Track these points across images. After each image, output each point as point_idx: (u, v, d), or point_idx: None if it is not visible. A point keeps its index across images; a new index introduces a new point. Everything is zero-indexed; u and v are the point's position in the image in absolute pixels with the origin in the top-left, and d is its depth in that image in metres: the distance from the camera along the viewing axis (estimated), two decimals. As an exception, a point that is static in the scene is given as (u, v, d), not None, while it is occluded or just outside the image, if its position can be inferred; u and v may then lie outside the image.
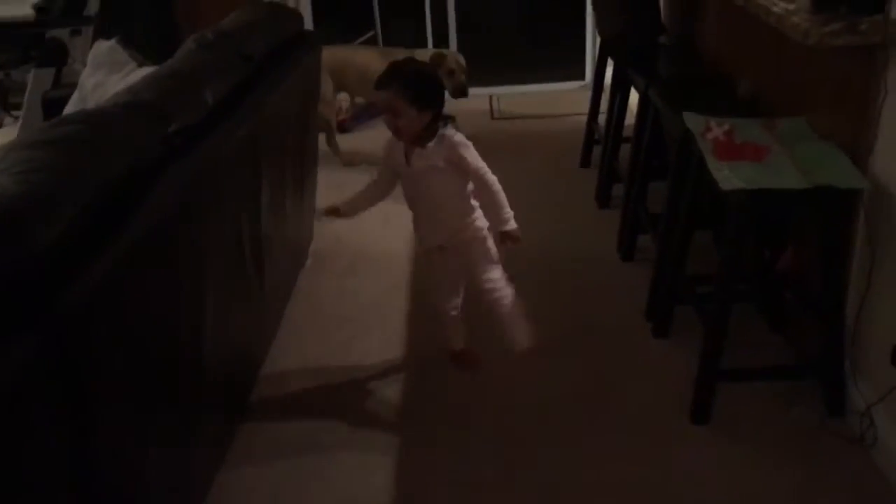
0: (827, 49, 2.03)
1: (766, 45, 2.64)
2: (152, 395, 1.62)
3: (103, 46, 2.93)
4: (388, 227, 3.54)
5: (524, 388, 2.47)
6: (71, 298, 1.25)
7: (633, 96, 3.37)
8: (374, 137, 4.62)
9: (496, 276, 2.37)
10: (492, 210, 2.30)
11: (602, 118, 3.89)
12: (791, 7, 2.11)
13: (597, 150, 3.92)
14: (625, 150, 3.50)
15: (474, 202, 2.34)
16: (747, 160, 2.14)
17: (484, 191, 2.28)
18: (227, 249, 2.04)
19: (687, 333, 2.58)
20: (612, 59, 3.59)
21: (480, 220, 2.35)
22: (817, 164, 2.08)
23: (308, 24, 5.11)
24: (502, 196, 2.27)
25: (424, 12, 5.11)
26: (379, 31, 4.95)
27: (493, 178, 2.26)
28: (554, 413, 2.35)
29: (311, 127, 2.97)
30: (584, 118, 4.19)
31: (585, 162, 4.00)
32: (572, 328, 2.75)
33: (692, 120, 2.35)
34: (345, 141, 4.62)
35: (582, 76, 5.28)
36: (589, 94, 4.35)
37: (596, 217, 3.52)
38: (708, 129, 2.27)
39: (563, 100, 5.05)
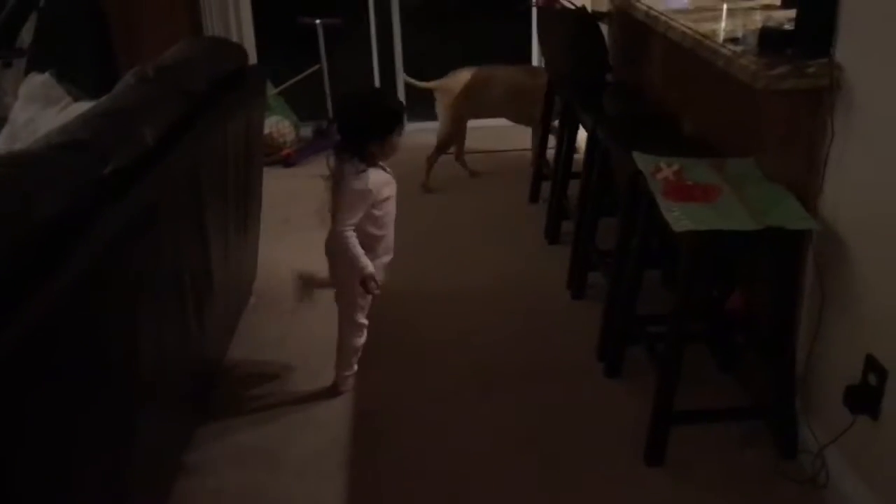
0: (774, 91, 2.04)
1: (712, 86, 2.67)
2: (77, 458, 1.52)
3: (36, 80, 2.83)
4: (335, 265, 3.48)
5: (474, 428, 2.41)
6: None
7: (581, 132, 3.39)
8: (319, 172, 4.56)
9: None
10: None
11: (550, 153, 3.90)
12: (738, 49, 2.12)
13: (545, 186, 3.92)
14: (573, 186, 3.51)
15: None
16: (698, 201, 2.13)
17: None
18: (166, 291, 1.95)
19: (639, 373, 2.56)
20: (560, 96, 3.60)
21: None
22: (767, 206, 2.08)
23: (252, 57, 5.04)
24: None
25: (371, 46, 5.08)
26: (325, 64, 4.90)
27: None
28: (505, 456, 2.30)
29: (255, 162, 2.90)
30: (531, 153, 4.20)
31: (534, 197, 4.00)
32: (523, 368, 2.70)
33: (642, 160, 2.34)
34: (291, 176, 4.55)
35: (529, 112, 5.30)
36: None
37: (546, 253, 3.50)
38: (658, 170, 2.27)
39: (510, 135, 5.04)
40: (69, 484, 1.47)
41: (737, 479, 2.18)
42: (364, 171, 2.33)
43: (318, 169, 4.62)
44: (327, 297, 3.18)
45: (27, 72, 3.20)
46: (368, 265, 2.38)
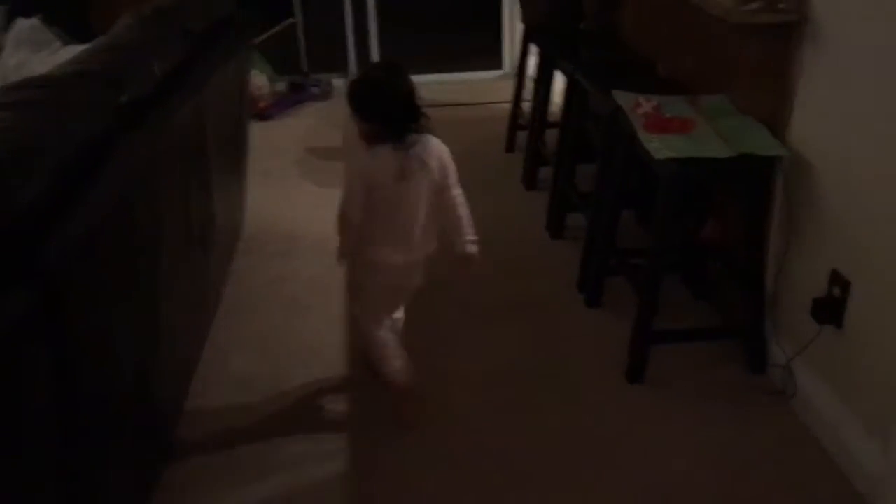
0: (746, 27, 2.18)
1: (686, 27, 2.80)
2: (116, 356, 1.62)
3: (24, 24, 2.85)
4: (320, 210, 3.56)
5: (462, 356, 2.55)
6: (50, 257, 1.26)
7: (557, 83, 3.51)
8: (295, 125, 4.64)
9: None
10: (452, 228, 2.13)
11: (526, 105, 4.01)
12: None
13: (521, 136, 4.03)
14: (549, 135, 3.63)
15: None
16: (675, 133, 2.27)
17: (451, 208, 2.11)
18: (180, 224, 2.04)
19: (618, 303, 2.71)
20: (538, 46, 3.70)
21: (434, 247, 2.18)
22: (740, 136, 2.23)
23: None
24: (470, 220, 2.12)
25: (344, 1, 5.13)
26: (300, 18, 4.94)
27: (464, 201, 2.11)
28: (494, 381, 2.43)
29: (245, 109, 2.97)
30: (505, 105, 4.30)
31: (510, 147, 4.11)
32: (506, 302, 2.84)
33: (622, 97, 2.47)
34: (268, 129, 4.60)
35: (500, 65, 5.41)
36: (507, 83, 4.49)
37: (524, 198, 3.63)
38: (637, 105, 2.40)
39: (483, 89, 5.15)
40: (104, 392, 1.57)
41: (711, 393, 2.35)
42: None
43: (293, 123, 4.69)
44: (311, 241, 3.28)
45: (10, 17, 3.21)
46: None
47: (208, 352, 2.54)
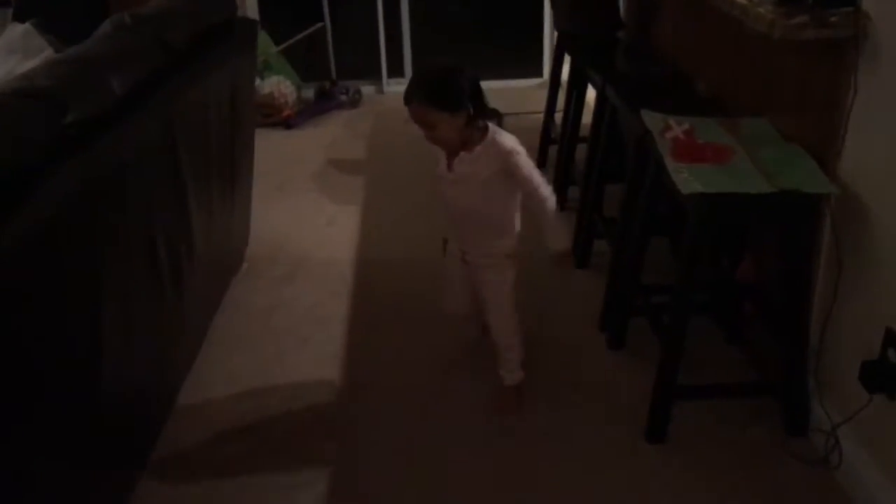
0: (792, 44, 1.89)
1: (725, 42, 2.51)
2: (36, 434, 1.41)
3: (17, 30, 2.70)
4: (333, 229, 3.36)
5: (471, 398, 2.30)
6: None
7: (591, 94, 3.23)
8: (320, 135, 4.43)
9: (499, 322, 2.21)
10: (547, 229, 2.05)
11: (559, 116, 3.74)
12: (755, -2, 1.96)
13: (553, 150, 3.77)
14: (581, 151, 3.35)
15: (517, 223, 2.12)
16: (708, 162, 1.99)
17: (534, 204, 2.02)
18: (134, 257, 1.83)
19: (642, 345, 2.43)
20: (569, 55, 3.44)
21: (509, 246, 2.14)
22: (782, 168, 1.94)
23: (254, 12, 4.89)
24: (554, 212, 2.03)
25: (376, 5, 4.92)
26: (328, 23, 4.74)
27: (547, 191, 2.00)
28: (500, 427, 2.18)
29: (245, 122, 2.77)
30: (541, 116, 4.04)
31: (541, 162, 3.84)
32: (538, 344, 2.57)
33: (651, 118, 2.20)
34: (292, 138, 4.41)
35: (540, 73, 5.13)
36: (545, 91, 4.22)
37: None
38: (667, 128, 2.12)
39: (520, 97, 4.88)
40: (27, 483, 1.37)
41: (743, 458, 2.06)
42: None
43: (319, 132, 4.49)
44: (317, 264, 3.07)
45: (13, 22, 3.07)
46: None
47: (188, 390, 2.33)
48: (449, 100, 1.91)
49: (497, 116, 2.04)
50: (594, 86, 2.97)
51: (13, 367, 1.33)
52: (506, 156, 1.97)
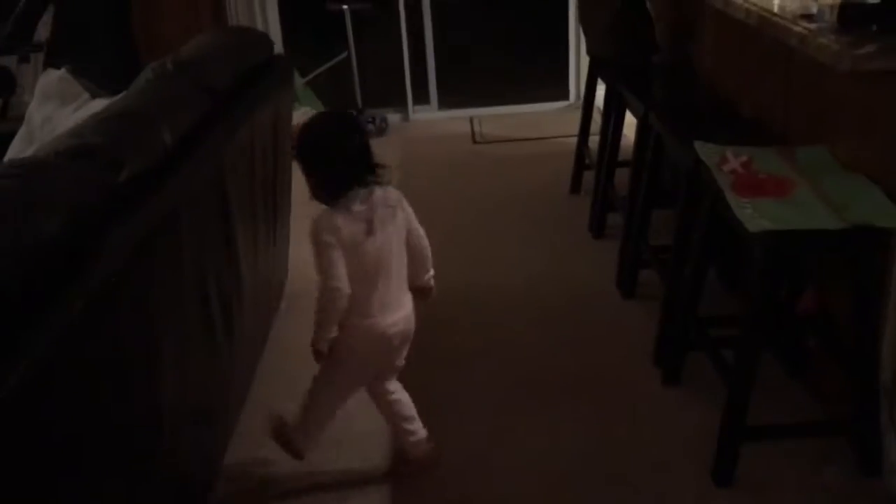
0: (857, 73, 1.83)
1: (773, 67, 2.45)
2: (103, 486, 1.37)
3: (52, 76, 2.67)
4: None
5: (520, 448, 2.23)
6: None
7: (628, 118, 3.17)
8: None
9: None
10: (419, 264, 2.05)
11: (592, 140, 3.69)
12: (813, 27, 1.91)
13: (587, 175, 3.72)
14: (619, 175, 3.30)
15: None
16: (770, 196, 1.93)
17: (419, 246, 2.04)
18: (190, 308, 1.79)
19: (700, 380, 2.37)
20: (604, 80, 3.39)
21: None
22: (848, 200, 1.88)
23: (278, 46, 4.87)
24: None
25: (400, 32, 4.90)
26: (353, 52, 4.72)
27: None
28: (558, 474, 2.12)
29: (284, 158, 2.73)
30: (571, 140, 3.99)
31: (576, 188, 3.79)
32: (572, 376, 2.51)
33: (705, 150, 2.14)
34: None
35: (566, 96, 5.09)
36: (574, 114, 4.17)
37: (591, 248, 3.30)
38: (724, 161, 2.06)
39: (548, 121, 4.85)
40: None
41: (816, 500, 1.99)
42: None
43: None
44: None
45: (45, 67, 3.06)
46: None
47: (236, 441, 2.28)
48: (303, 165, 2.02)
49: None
50: (634, 113, 2.92)
51: (76, 433, 1.28)
52: (400, 200, 2.03)
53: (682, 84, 3.04)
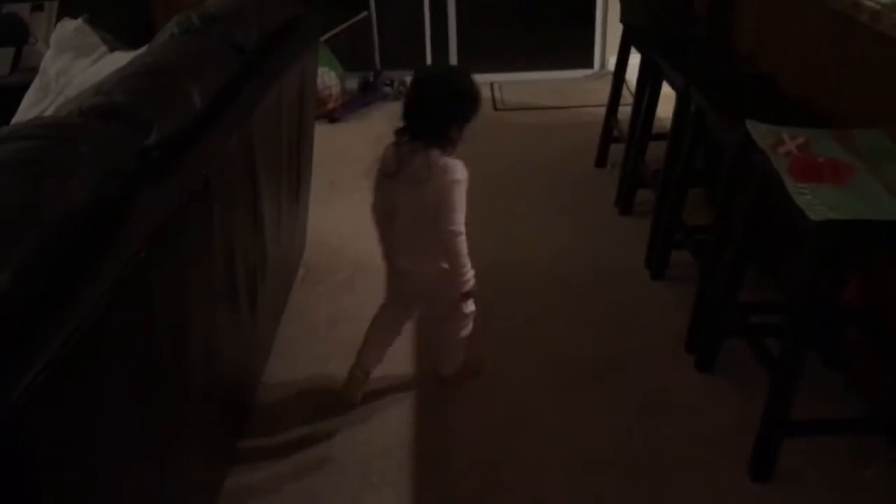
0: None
1: (828, 43, 2.33)
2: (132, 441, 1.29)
3: (68, 26, 2.55)
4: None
5: (552, 434, 2.15)
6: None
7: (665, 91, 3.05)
8: (366, 129, 4.28)
9: (456, 328, 2.21)
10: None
11: (621, 111, 3.57)
12: (887, 1, 1.79)
13: (614, 148, 3.60)
14: (651, 149, 3.18)
15: None
16: (829, 182, 1.83)
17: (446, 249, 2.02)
18: (216, 278, 1.70)
19: (735, 367, 2.30)
20: (640, 51, 3.26)
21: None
22: (914, 190, 1.78)
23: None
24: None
25: (422, -8, 4.74)
26: (374, 12, 4.58)
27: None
28: (587, 461, 2.05)
29: (308, 123, 2.62)
30: (595, 110, 3.87)
31: (601, 161, 3.68)
32: (602, 359, 2.43)
33: (759, 130, 2.03)
34: (337, 133, 4.26)
35: (591, 64, 4.94)
36: (597, 83, 4.05)
37: (618, 225, 3.20)
38: (779, 142, 1.96)
39: (571, 90, 4.72)
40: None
41: (857, 498, 1.92)
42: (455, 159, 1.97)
43: (363, 126, 4.34)
44: (377, 268, 2.93)
45: (59, 16, 2.93)
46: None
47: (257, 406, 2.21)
48: None
49: None
50: (673, 86, 2.80)
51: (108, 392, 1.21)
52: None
53: (722, 57, 2.92)
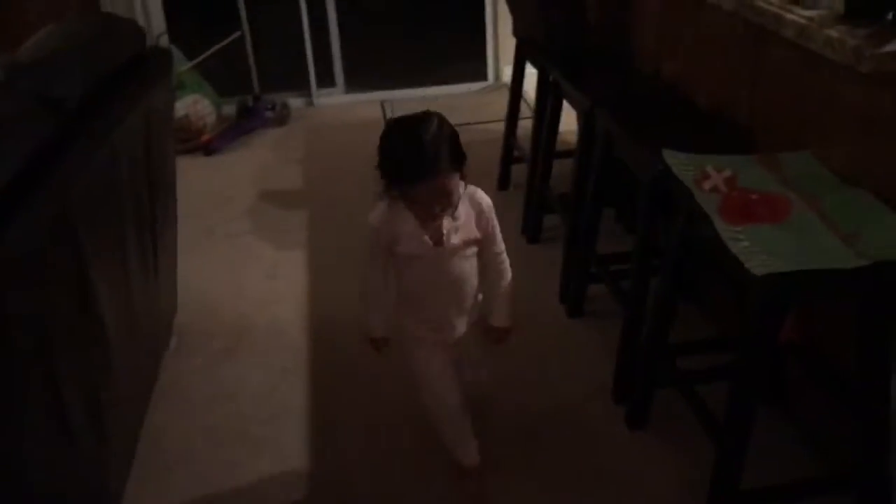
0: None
1: (735, 51, 2.12)
2: None
3: None
4: (276, 283, 2.86)
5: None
6: None
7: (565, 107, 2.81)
8: (247, 160, 3.90)
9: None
10: (497, 300, 1.81)
11: (521, 127, 3.33)
12: (812, 15, 1.57)
13: (516, 169, 3.35)
14: (556, 168, 2.93)
15: None
16: (764, 221, 1.60)
17: (495, 270, 1.79)
18: (30, 402, 1.33)
19: (670, 420, 2.06)
20: (534, 65, 3.01)
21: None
22: (855, 225, 1.56)
23: (160, 24, 4.30)
24: (511, 285, 1.81)
25: (299, 6, 4.38)
26: (247, 31, 4.20)
27: (507, 261, 1.81)
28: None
29: (164, 172, 2.25)
30: (492, 127, 3.61)
31: (504, 183, 3.42)
32: (525, 417, 2.15)
33: (678, 163, 1.79)
34: (215, 167, 3.86)
35: (484, 76, 4.68)
36: (493, 96, 3.81)
37: (526, 255, 2.93)
38: (704, 177, 1.72)
39: (467, 105, 4.44)
40: None
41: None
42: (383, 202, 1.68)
43: (245, 156, 3.96)
44: (262, 331, 2.58)
45: None
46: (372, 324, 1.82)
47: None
48: (462, 156, 1.60)
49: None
50: (575, 106, 2.57)
51: None
52: (486, 211, 1.72)
53: (624, 72, 2.70)
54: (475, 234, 1.70)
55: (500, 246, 1.78)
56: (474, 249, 1.73)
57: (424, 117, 1.58)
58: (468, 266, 1.74)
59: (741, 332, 1.59)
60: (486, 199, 1.73)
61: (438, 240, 1.66)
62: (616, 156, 2.21)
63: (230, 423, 2.19)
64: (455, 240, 1.68)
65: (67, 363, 1.45)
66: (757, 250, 1.50)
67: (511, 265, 1.81)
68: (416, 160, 1.52)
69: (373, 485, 1.97)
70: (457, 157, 1.57)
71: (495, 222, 1.74)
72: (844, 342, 1.75)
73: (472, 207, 1.70)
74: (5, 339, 1.22)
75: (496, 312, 1.81)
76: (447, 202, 1.59)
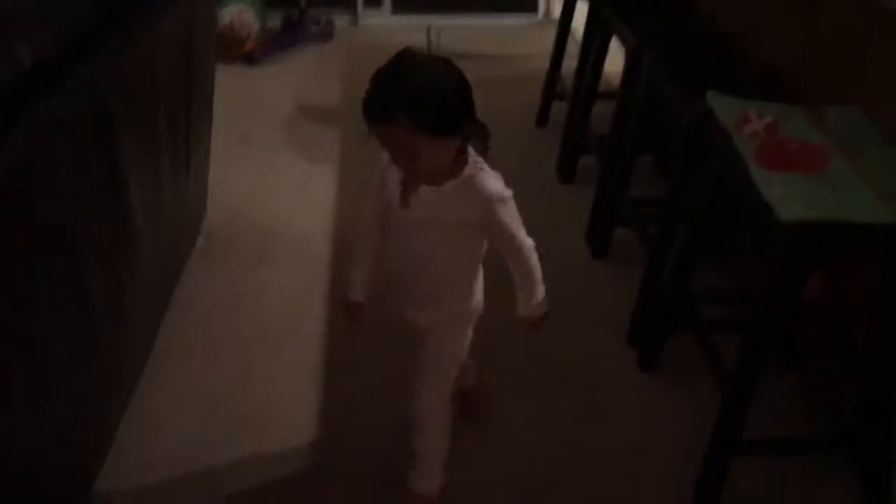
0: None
1: (793, 5, 2.05)
2: None
3: None
4: (307, 194, 2.88)
5: (473, 466, 1.90)
6: None
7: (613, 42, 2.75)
8: (288, 73, 3.89)
9: (430, 403, 1.63)
10: (522, 290, 1.58)
11: (569, 62, 3.26)
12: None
13: (557, 107, 3.30)
14: (597, 109, 2.88)
15: (479, 273, 1.62)
16: (800, 170, 1.56)
17: (517, 265, 1.54)
18: (54, 285, 1.36)
19: (683, 365, 2.06)
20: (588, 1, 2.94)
21: (474, 301, 1.63)
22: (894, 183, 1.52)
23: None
24: (539, 273, 1.56)
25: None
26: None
27: (531, 251, 1.53)
28: (520, 487, 1.80)
29: (203, 73, 2.25)
30: (537, 63, 3.53)
31: (542, 120, 3.37)
32: (536, 356, 2.16)
33: (721, 104, 1.75)
34: (255, 77, 3.85)
35: (534, 9, 4.58)
36: (541, 32, 3.72)
37: (558, 195, 2.91)
38: (745, 121, 1.68)
39: (513, 37, 4.36)
40: None
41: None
42: None
43: (286, 69, 3.94)
44: (290, 239, 2.61)
45: None
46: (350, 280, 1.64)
47: (131, 417, 1.89)
48: (446, 122, 1.36)
49: (484, 138, 1.48)
50: (623, 42, 2.50)
51: None
52: (488, 204, 1.45)
53: (679, 13, 2.62)
54: (465, 218, 1.45)
55: (520, 241, 1.51)
56: (465, 235, 1.50)
57: (420, 61, 1.38)
58: (445, 249, 1.50)
59: (765, 283, 1.57)
60: (493, 188, 1.44)
61: (406, 201, 1.47)
62: (658, 96, 2.17)
63: (249, 325, 2.23)
64: (425, 210, 1.45)
65: (93, 244, 1.47)
66: (790, 199, 1.47)
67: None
68: (370, 98, 1.35)
69: (381, 375, 2.01)
70: (436, 119, 1.34)
71: (507, 217, 1.47)
72: (865, 305, 1.73)
73: (469, 189, 1.43)
74: (29, 209, 1.24)
75: (519, 302, 1.60)
76: (409, 161, 1.39)
